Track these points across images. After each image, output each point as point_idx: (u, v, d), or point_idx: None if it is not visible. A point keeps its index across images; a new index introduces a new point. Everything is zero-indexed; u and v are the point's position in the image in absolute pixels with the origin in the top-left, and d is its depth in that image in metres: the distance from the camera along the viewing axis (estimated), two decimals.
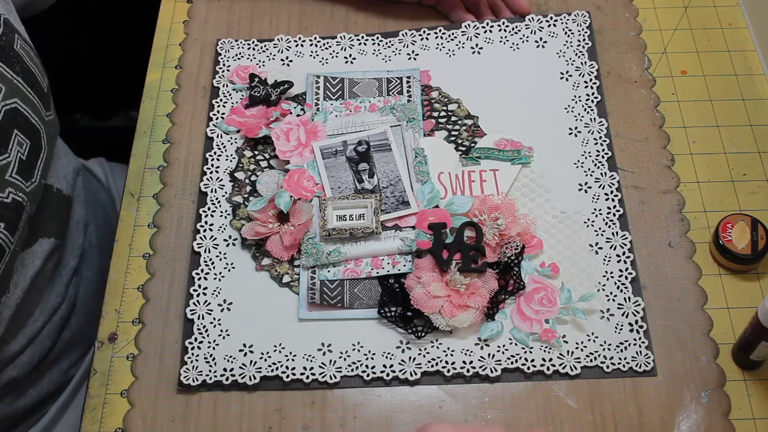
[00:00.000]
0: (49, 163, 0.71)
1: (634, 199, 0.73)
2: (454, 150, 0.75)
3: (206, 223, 0.73)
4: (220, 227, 0.73)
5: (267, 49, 0.83)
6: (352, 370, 0.65)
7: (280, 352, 0.66)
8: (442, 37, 0.82)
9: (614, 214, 0.71)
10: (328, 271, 0.69)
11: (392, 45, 0.82)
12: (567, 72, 0.79)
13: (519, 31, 0.82)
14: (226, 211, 0.73)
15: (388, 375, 0.65)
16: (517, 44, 0.81)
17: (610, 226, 0.71)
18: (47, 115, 0.70)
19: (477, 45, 0.82)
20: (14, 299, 0.71)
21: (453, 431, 0.54)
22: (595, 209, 0.72)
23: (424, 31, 0.83)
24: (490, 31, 0.82)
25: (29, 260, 0.73)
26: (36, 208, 0.72)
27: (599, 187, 0.73)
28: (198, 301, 0.69)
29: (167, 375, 0.66)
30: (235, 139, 0.77)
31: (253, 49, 0.83)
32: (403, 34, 0.82)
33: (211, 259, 0.71)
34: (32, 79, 0.67)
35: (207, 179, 0.75)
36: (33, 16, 0.79)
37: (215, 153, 0.76)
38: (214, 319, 0.68)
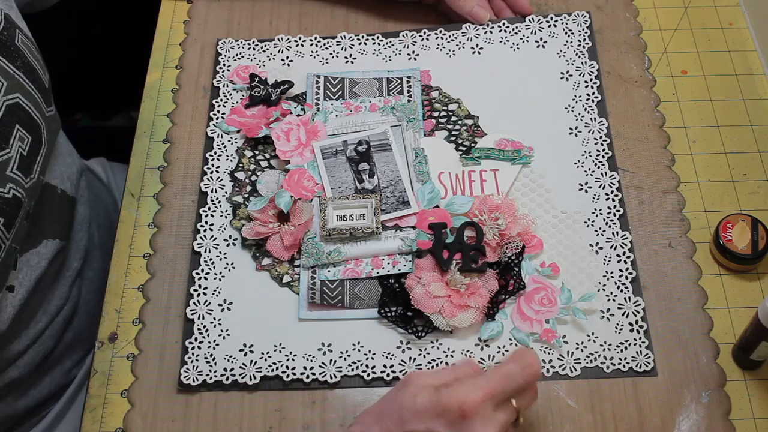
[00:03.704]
0: (49, 159, 0.71)
1: (635, 199, 0.72)
2: (455, 150, 0.75)
3: (206, 223, 0.73)
4: (221, 227, 0.72)
5: (267, 49, 0.83)
6: (353, 369, 0.65)
7: (280, 352, 0.66)
8: (442, 38, 0.82)
9: (614, 214, 0.71)
10: (329, 271, 0.69)
11: (392, 45, 0.82)
12: (567, 72, 0.79)
13: (519, 31, 0.82)
14: (226, 211, 0.73)
15: (388, 375, 0.65)
16: (518, 44, 0.81)
17: (610, 226, 0.71)
18: (48, 110, 0.69)
19: (477, 45, 0.82)
20: (18, 299, 0.71)
21: (432, 378, 0.55)
22: (595, 209, 0.72)
23: (424, 32, 0.82)
24: (491, 32, 0.82)
25: (34, 261, 0.73)
26: (40, 209, 0.71)
27: (599, 187, 0.73)
28: (198, 301, 0.69)
29: (167, 375, 0.66)
30: (236, 139, 0.77)
31: (254, 49, 0.83)
32: (403, 35, 0.82)
33: (211, 259, 0.71)
34: (34, 74, 0.67)
35: (207, 179, 0.75)
36: (33, 15, 0.79)
37: (215, 153, 0.76)
38: (215, 319, 0.68)
